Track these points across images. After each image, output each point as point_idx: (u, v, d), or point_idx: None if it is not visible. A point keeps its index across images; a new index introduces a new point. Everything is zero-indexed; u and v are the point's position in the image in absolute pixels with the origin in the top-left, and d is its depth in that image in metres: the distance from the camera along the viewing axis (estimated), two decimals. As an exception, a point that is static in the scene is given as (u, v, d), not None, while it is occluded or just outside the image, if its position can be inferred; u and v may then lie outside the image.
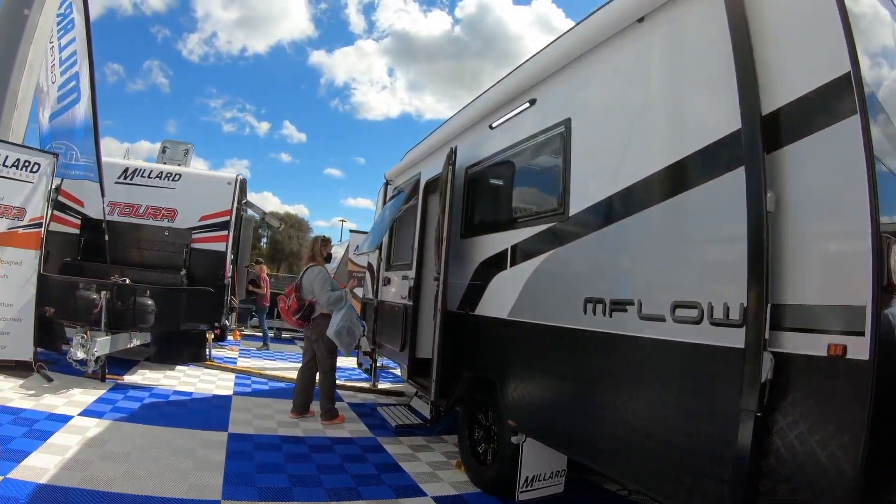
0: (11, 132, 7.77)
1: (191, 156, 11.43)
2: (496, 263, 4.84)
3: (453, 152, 5.41)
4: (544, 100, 4.59)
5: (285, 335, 15.31)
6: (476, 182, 5.53)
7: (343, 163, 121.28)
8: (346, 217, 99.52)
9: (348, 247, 14.83)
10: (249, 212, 12.45)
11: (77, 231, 8.91)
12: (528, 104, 4.74)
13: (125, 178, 9.24)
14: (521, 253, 4.52)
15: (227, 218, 9.34)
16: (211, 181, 9.75)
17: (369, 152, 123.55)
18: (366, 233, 12.45)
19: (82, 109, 7.95)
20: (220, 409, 6.58)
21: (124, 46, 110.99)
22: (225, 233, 9.27)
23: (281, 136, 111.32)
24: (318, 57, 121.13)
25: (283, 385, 8.44)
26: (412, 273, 6.78)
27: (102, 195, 7.81)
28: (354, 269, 12.14)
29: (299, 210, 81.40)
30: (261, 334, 14.79)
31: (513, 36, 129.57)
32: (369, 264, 9.24)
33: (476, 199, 5.54)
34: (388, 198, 8.45)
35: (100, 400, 6.28)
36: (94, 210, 8.68)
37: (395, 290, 7.54)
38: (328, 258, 6.83)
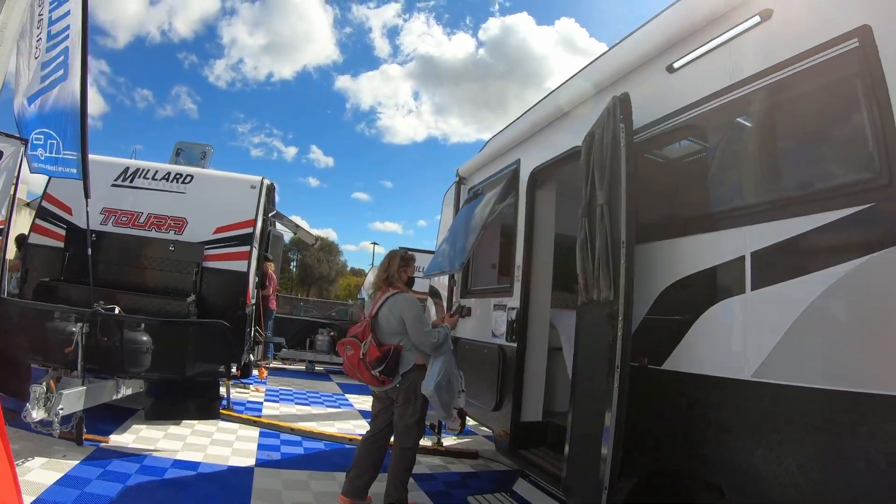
0: (-32, 112, 5.96)
1: (209, 159, 9.64)
2: (713, 285, 2.85)
3: (623, 101, 3.34)
4: (796, 7, 2.66)
5: (318, 368, 13.29)
6: (646, 155, 3.56)
7: (370, 187, 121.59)
8: (374, 240, 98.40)
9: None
10: (279, 227, 10.57)
11: (62, 244, 7.06)
12: (756, 19, 2.80)
13: (124, 180, 7.41)
14: (776, 264, 2.52)
15: (249, 230, 7.43)
16: (230, 184, 7.86)
17: (396, 176, 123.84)
18: (424, 251, 10.48)
19: (69, 89, 6.21)
20: (238, 492, 4.59)
21: (153, 73, 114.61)
22: (247, 248, 7.36)
23: (308, 160, 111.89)
24: (343, 82, 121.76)
25: (321, 446, 6.43)
26: (514, 301, 4.84)
27: (86, 197, 6.01)
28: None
29: (328, 234, 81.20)
30: (290, 367, 12.98)
31: (537, 56, 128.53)
32: (432, 289, 7.30)
33: (649, 181, 3.55)
34: (463, 201, 6.55)
35: (65, 479, 4.33)
36: (84, 218, 6.88)
37: (481, 325, 5.57)
38: (411, 283, 4.77)
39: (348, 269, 61.91)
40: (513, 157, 5.46)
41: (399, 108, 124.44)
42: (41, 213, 7.21)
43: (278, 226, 10.97)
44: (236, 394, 8.47)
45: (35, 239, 7.08)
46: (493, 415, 5.10)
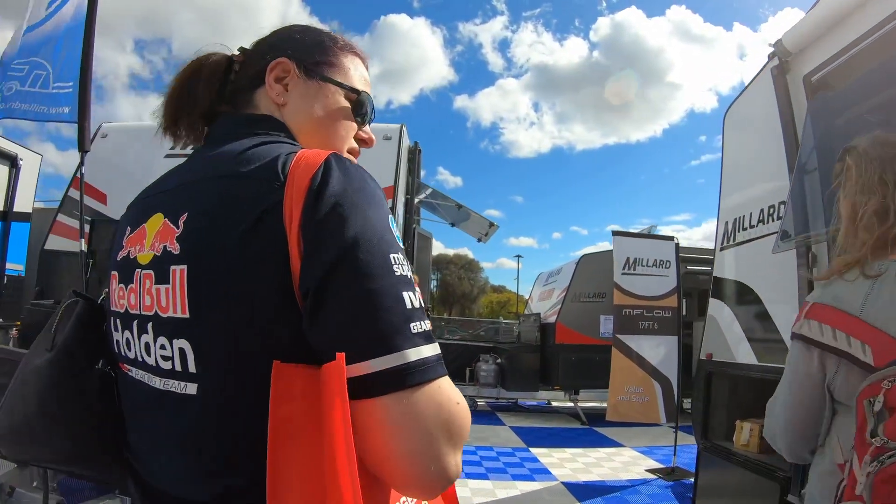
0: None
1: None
2: None
3: None
4: None
5: (480, 403, 10.34)
6: None
7: (501, 203, 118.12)
8: (515, 254, 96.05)
9: (576, 265, 9.65)
10: (423, 221, 7.51)
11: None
12: None
13: (185, 147, 4.71)
14: None
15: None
16: None
17: (526, 190, 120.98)
18: (634, 233, 7.07)
19: (73, 7, 3.84)
20: None
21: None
22: None
23: (437, 181, 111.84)
24: (461, 101, 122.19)
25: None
26: None
27: (82, 150, 3.47)
28: (627, 304, 6.68)
29: (465, 253, 79.58)
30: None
31: (653, 50, 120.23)
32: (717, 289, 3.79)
33: None
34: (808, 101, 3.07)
35: None
36: (120, 207, 4.28)
37: None
38: None
39: (489, 286, 59.39)
40: None
41: (521, 121, 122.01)
42: (66, 206, 4.77)
43: (422, 220, 7.93)
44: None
45: (55, 243, 4.62)
46: None
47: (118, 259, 0.86)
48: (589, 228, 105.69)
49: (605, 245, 11.88)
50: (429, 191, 7.04)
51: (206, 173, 0.81)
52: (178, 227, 0.76)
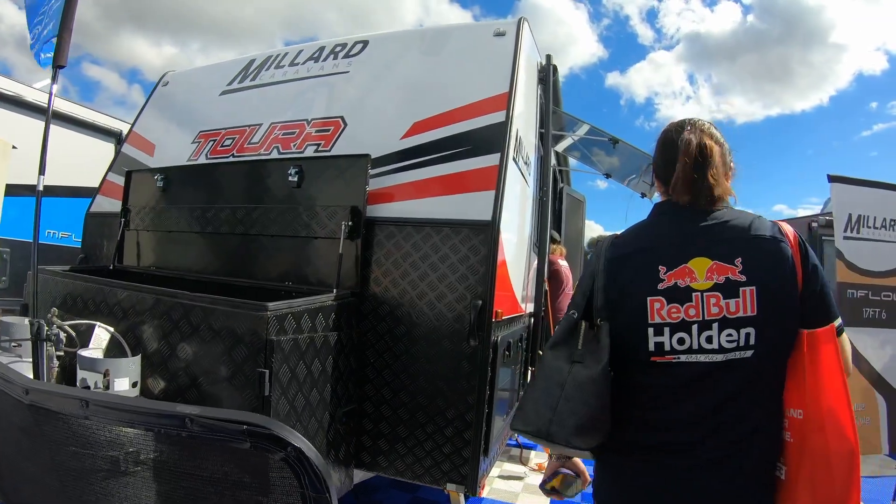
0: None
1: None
2: None
3: None
4: None
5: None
6: None
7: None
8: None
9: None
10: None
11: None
12: None
13: (242, 80, 3.88)
14: None
15: (497, 117, 2.95)
16: (445, 38, 3.51)
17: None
18: (857, 180, 4.58)
19: None
20: None
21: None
22: (493, 160, 2.86)
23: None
24: (613, 78, 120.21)
25: None
26: None
27: (56, 66, 2.93)
28: (852, 283, 4.35)
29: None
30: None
31: (812, 8, 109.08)
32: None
33: None
34: None
35: None
36: (171, 155, 3.72)
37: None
38: None
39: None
40: None
41: (676, 95, 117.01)
42: (117, 163, 4.16)
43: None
44: (499, 483, 4.25)
45: (102, 205, 3.93)
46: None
47: (660, 289, 1.44)
48: (753, 209, 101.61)
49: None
50: (584, 127, 5.53)
51: (737, 234, 1.44)
52: (735, 266, 1.40)
